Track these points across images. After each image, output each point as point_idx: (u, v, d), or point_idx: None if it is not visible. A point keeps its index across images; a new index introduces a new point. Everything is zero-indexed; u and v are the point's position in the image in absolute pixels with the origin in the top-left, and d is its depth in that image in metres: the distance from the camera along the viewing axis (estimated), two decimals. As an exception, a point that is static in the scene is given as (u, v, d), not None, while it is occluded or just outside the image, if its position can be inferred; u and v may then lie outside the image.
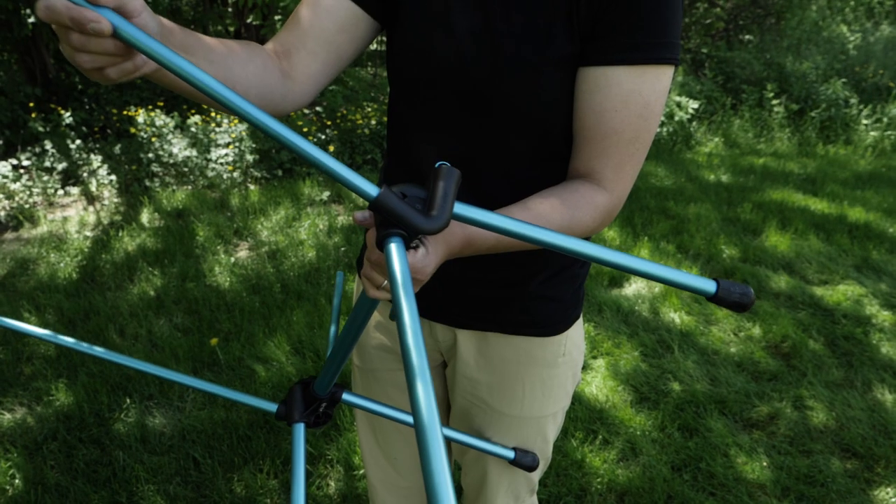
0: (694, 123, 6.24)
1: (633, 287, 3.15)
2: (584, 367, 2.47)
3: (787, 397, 2.33)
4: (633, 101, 0.76)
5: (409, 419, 0.98)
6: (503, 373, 1.00)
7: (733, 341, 2.71)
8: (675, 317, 2.86)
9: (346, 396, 0.95)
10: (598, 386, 2.35)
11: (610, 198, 0.81)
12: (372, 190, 0.56)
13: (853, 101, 6.51)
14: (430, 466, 0.35)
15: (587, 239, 0.92)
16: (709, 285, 0.59)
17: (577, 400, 2.27)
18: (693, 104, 6.17)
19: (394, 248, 0.54)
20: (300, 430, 0.89)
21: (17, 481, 1.87)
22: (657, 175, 5.04)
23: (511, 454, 1.01)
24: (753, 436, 2.15)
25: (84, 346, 0.93)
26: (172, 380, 0.95)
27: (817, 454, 2.07)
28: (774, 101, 6.50)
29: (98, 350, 0.93)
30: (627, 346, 2.61)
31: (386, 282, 0.66)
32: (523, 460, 1.02)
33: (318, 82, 0.87)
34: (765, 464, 2.02)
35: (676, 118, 5.99)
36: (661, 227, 3.88)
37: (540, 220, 0.75)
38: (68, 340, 0.93)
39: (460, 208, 0.58)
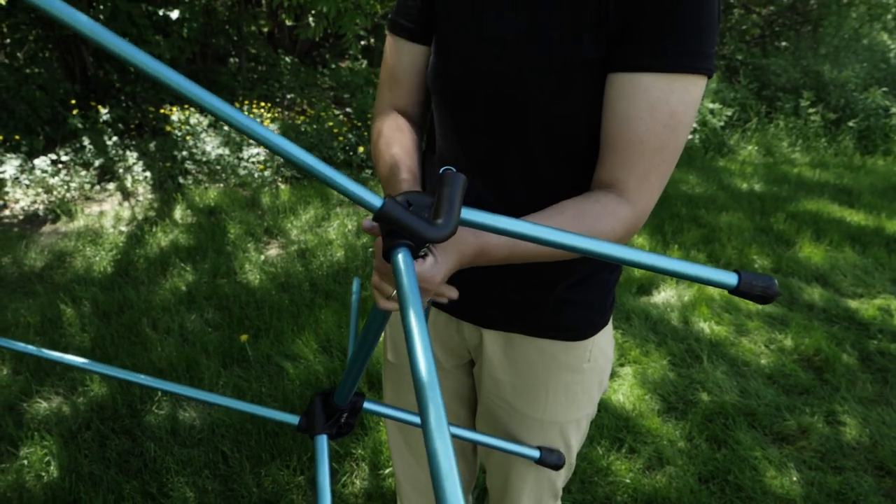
0: (727, 131, 6.16)
1: (662, 295, 3.12)
2: (612, 375, 2.45)
3: (819, 412, 2.29)
4: (660, 109, 0.74)
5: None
6: (527, 375, 1.00)
7: (764, 353, 2.66)
8: (705, 326, 2.82)
9: (366, 405, 0.95)
10: (626, 394, 2.33)
11: (633, 210, 0.78)
12: (376, 201, 0.55)
13: (894, 110, 6.36)
14: (440, 482, 0.35)
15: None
16: (730, 278, 0.57)
17: (604, 407, 2.25)
18: (727, 111, 6.09)
19: (401, 259, 0.53)
20: (323, 441, 0.88)
21: (52, 468, 1.92)
22: (688, 182, 4.98)
23: (536, 454, 1.00)
24: (783, 450, 2.12)
25: (135, 376, 0.94)
26: (204, 400, 0.95)
27: (849, 471, 2.03)
28: (811, 110, 6.39)
29: (157, 381, 0.95)
30: (655, 354, 2.59)
31: (395, 292, 0.66)
32: (548, 459, 1.01)
33: (427, 116, 1.00)
34: (794, 479, 1.99)
35: (709, 125, 5.92)
36: (691, 236, 3.84)
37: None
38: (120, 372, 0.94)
39: (468, 213, 0.57)
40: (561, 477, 1.12)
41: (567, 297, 0.95)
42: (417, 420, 0.98)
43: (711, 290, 3.19)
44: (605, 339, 1.02)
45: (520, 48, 0.80)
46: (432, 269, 0.66)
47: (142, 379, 0.94)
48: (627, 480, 1.95)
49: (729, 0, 8.22)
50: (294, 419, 0.94)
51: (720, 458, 2.05)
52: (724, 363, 2.56)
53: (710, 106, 6.10)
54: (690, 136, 5.77)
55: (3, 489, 1.84)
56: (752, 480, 1.96)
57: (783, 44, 8.37)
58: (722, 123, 6.04)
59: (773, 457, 2.07)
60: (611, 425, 2.17)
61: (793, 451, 2.11)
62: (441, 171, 0.58)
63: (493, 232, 0.58)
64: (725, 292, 3.14)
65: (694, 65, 0.73)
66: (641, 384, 2.39)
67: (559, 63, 0.78)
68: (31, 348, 0.92)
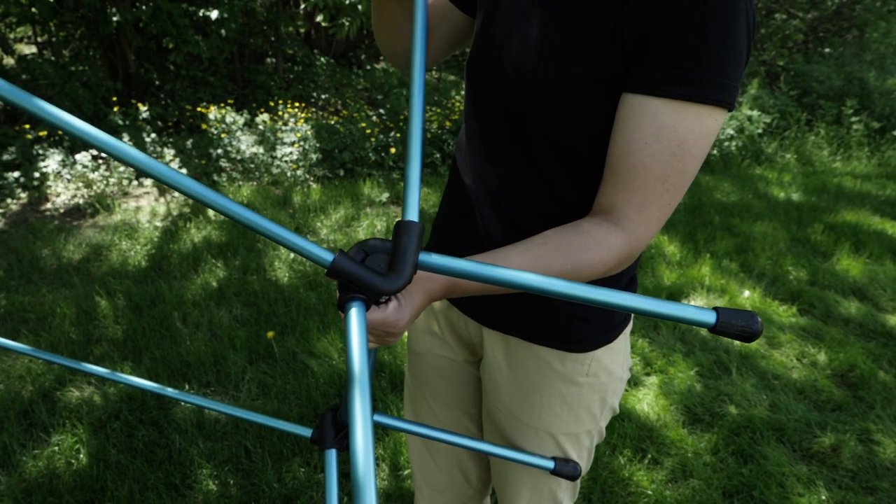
0: (765, 138, 6.03)
1: (692, 304, 3.06)
2: (636, 384, 2.42)
3: (852, 430, 2.22)
4: (667, 136, 0.71)
5: (442, 436, 0.98)
6: (523, 380, 1.00)
7: (796, 367, 2.60)
8: (735, 338, 2.76)
9: (376, 418, 0.95)
10: (650, 404, 2.30)
11: (628, 239, 0.75)
12: (327, 256, 0.56)
13: (941, 120, 6.15)
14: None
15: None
16: (708, 317, 0.54)
17: (627, 417, 2.22)
18: (765, 118, 5.96)
19: (353, 315, 0.54)
20: (332, 455, 0.89)
21: (81, 456, 1.97)
22: (723, 190, 4.89)
23: (550, 464, 0.99)
24: (812, 467, 2.06)
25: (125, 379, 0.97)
26: (222, 411, 0.98)
27: (883, 492, 1.96)
28: (854, 118, 6.21)
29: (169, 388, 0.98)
30: (682, 364, 2.54)
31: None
32: (564, 470, 0.99)
33: (431, 61, 0.99)
34: (823, 497, 1.93)
35: (747, 132, 5.80)
36: (724, 244, 3.76)
37: (539, 262, 0.72)
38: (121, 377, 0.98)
39: (427, 257, 0.57)
40: (564, 489, 1.09)
41: (566, 310, 0.94)
42: (428, 432, 0.98)
43: (742, 299, 3.12)
44: (611, 357, 0.99)
45: (534, 56, 0.80)
46: (396, 313, 0.67)
47: (150, 387, 0.97)
48: (649, 492, 1.92)
49: (771, 5, 8.05)
50: (307, 432, 0.96)
51: (746, 473, 2.00)
52: (753, 376, 2.50)
53: (749, 113, 5.98)
54: (727, 143, 5.66)
55: (35, 474, 1.90)
56: (778, 497, 1.91)
57: (827, 50, 8.15)
58: (760, 131, 5.91)
59: (801, 474, 2.01)
60: (633, 435, 2.14)
61: (823, 468, 2.06)
62: (398, 220, 0.59)
63: (451, 275, 0.58)
64: (757, 302, 3.07)
65: (710, 95, 0.69)
66: (666, 394, 2.36)
67: (566, 73, 0.77)
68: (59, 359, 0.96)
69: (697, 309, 0.53)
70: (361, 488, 0.40)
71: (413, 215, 0.59)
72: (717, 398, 2.36)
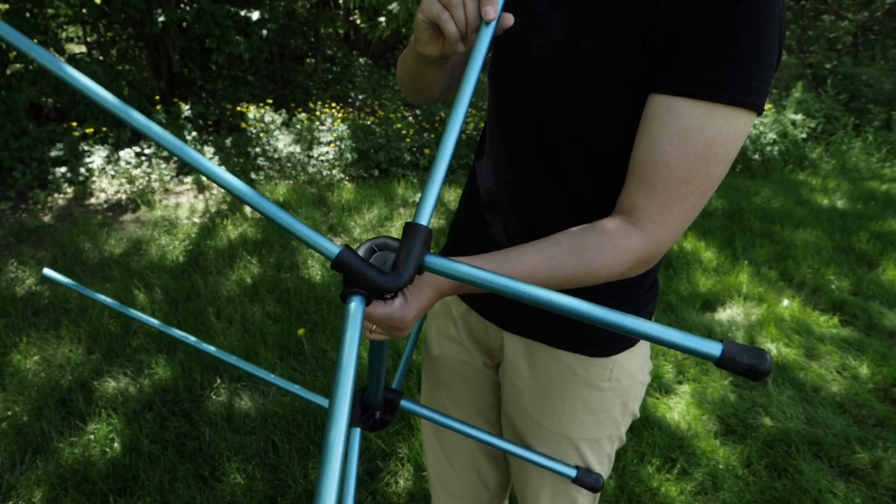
0: (810, 143, 5.86)
1: (728, 312, 3.00)
2: (668, 392, 2.37)
3: (895, 447, 2.14)
4: (693, 138, 0.69)
5: (464, 428, 0.99)
6: (544, 384, 0.99)
7: (836, 380, 2.52)
8: (773, 347, 2.69)
9: (403, 403, 0.97)
10: (681, 413, 2.25)
11: (646, 241, 0.74)
12: (333, 249, 0.58)
13: None
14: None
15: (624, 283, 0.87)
16: (713, 348, 0.51)
17: (657, 425, 2.18)
18: (810, 123, 5.80)
19: (352, 307, 0.56)
20: (355, 433, 0.91)
21: (116, 445, 2.02)
22: (763, 195, 4.77)
23: (573, 472, 0.98)
24: (850, 484, 1.99)
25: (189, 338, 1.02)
26: (251, 372, 1.02)
27: (925, 513, 1.89)
28: (904, 123, 5.99)
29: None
30: (716, 373, 2.48)
31: (375, 326, 0.70)
32: (586, 479, 0.98)
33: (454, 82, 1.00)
34: (862, 516, 1.86)
35: (790, 136, 5.64)
36: (764, 252, 3.67)
37: (553, 262, 0.72)
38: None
39: (432, 260, 0.59)
40: (585, 495, 1.08)
41: None
42: (454, 424, 0.99)
43: (781, 309, 3.04)
44: (632, 361, 0.97)
45: (559, 56, 0.79)
46: (401, 309, 0.68)
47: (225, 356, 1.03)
48: (678, 502, 1.88)
49: (818, 6, 7.83)
50: None
51: (779, 488, 1.95)
52: (790, 387, 2.43)
53: (792, 117, 5.82)
54: (769, 148, 5.52)
55: (71, 461, 1.95)
56: (813, 514, 1.86)
57: (878, 52, 7.88)
58: (804, 135, 5.75)
59: (838, 490, 1.95)
60: (663, 444, 2.10)
61: (861, 486, 1.99)
62: (407, 223, 0.60)
63: (453, 279, 0.59)
64: (796, 311, 2.98)
65: (738, 97, 0.68)
66: (699, 404, 2.30)
67: (594, 74, 0.76)
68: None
69: (702, 340, 0.51)
70: (330, 451, 0.44)
71: (424, 219, 0.60)
72: (751, 409, 2.30)
